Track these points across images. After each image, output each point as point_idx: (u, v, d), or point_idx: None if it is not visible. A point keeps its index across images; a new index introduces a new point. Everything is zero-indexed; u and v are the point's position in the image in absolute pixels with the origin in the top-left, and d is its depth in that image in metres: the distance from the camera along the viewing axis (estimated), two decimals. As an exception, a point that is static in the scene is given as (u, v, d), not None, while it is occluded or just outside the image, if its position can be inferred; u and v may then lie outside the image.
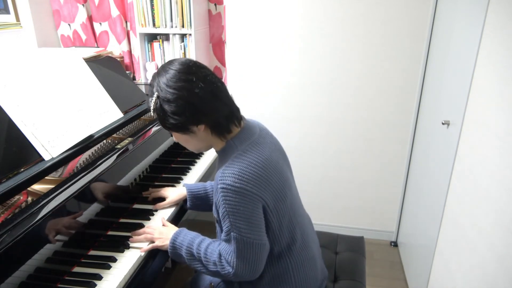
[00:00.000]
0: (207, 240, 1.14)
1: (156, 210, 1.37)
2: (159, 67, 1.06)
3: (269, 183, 1.04)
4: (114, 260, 1.11)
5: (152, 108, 1.04)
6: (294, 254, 1.13)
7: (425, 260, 1.85)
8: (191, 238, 1.15)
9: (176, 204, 1.41)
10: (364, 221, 2.61)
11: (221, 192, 1.00)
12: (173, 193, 1.41)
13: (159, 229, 1.23)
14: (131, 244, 1.18)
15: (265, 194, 1.02)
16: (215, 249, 1.09)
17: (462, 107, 1.49)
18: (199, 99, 1.00)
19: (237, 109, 1.10)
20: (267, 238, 1.07)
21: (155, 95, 1.02)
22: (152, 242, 1.19)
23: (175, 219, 1.39)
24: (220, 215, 1.03)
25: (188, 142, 1.11)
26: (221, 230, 1.07)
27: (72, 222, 1.09)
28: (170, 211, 1.38)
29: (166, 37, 2.35)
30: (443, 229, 1.65)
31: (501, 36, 1.25)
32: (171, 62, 1.05)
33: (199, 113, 1.02)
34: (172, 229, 1.22)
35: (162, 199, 1.42)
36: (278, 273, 1.12)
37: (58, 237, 1.04)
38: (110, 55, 2.25)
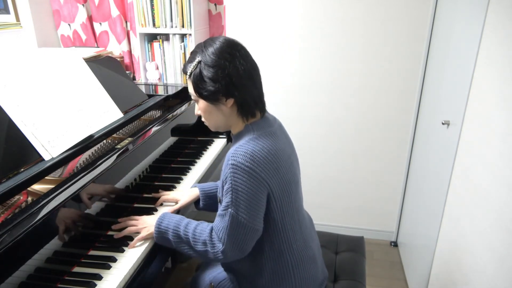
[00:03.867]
0: (194, 221, 1.15)
1: (156, 210, 1.37)
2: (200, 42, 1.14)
3: (278, 172, 1.06)
4: (114, 260, 1.11)
5: (189, 71, 1.09)
6: (294, 251, 1.14)
7: (425, 260, 1.85)
8: (176, 221, 1.16)
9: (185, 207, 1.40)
10: (364, 221, 2.61)
11: (230, 168, 1.02)
12: (184, 196, 1.39)
13: (142, 219, 1.23)
14: (117, 236, 1.20)
15: (272, 182, 1.05)
16: (205, 228, 1.10)
17: (462, 107, 1.49)
18: (237, 73, 1.06)
19: (264, 101, 1.16)
20: (270, 231, 1.09)
21: (196, 60, 1.08)
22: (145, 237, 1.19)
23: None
24: (224, 190, 1.05)
25: (211, 114, 1.14)
26: None
27: (72, 222, 1.10)
28: (170, 210, 1.37)
29: (166, 37, 2.35)
30: (443, 229, 1.65)
31: (501, 36, 1.25)
32: (219, 37, 1.12)
33: (233, 86, 1.06)
34: (156, 217, 1.21)
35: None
36: (278, 270, 1.13)
37: (58, 236, 1.04)
38: (110, 55, 2.25)
